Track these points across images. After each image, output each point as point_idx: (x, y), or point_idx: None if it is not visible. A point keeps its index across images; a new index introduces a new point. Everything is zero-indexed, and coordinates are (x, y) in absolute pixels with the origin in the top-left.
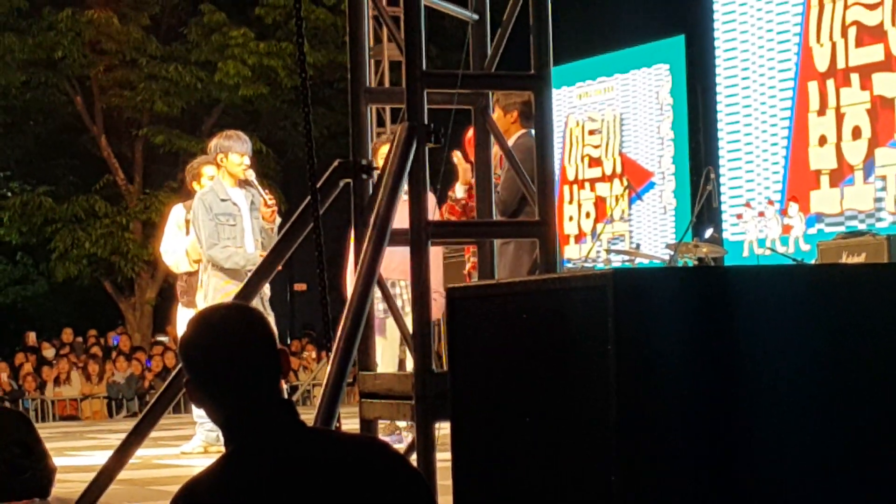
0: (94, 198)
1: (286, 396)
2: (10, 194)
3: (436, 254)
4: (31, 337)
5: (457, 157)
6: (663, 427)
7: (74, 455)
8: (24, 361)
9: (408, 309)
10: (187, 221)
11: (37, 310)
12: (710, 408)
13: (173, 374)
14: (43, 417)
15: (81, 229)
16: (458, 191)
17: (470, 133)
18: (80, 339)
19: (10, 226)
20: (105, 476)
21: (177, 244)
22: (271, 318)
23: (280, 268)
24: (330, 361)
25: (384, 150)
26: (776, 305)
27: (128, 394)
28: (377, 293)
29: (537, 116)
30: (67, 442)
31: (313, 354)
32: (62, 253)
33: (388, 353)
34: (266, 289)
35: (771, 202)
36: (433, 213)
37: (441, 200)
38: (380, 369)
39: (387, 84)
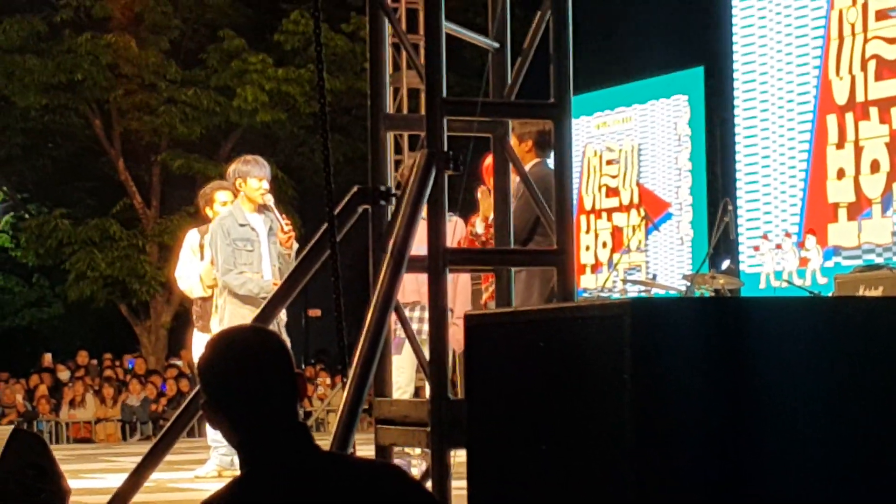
0: (109, 221)
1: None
2: (27, 216)
3: (464, 282)
4: (47, 358)
5: (482, 192)
6: (679, 457)
7: (88, 477)
8: (38, 383)
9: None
10: (201, 246)
11: (52, 332)
12: (725, 439)
13: (189, 398)
14: (57, 439)
15: (97, 251)
16: (478, 226)
17: (488, 161)
18: (94, 361)
19: (27, 248)
20: (119, 499)
21: (191, 269)
22: (288, 344)
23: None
24: (346, 387)
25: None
26: (793, 337)
27: (142, 417)
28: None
29: (557, 145)
30: (81, 464)
31: (327, 381)
32: (78, 275)
33: (407, 373)
34: (283, 314)
35: (788, 234)
36: (459, 234)
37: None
38: (397, 388)
39: (405, 111)
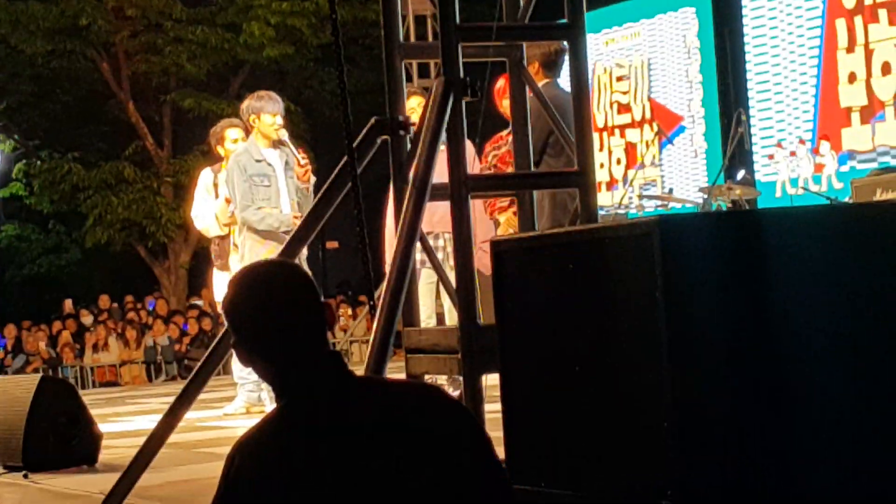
0: (123, 164)
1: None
2: (39, 163)
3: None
4: (68, 304)
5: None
6: (713, 370)
7: (117, 421)
8: (61, 329)
9: (451, 262)
10: (216, 185)
11: (71, 278)
12: (752, 347)
13: (218, 337)
14: (83, 384)
15: (113, 195)
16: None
17: (499, 83)
18: (115, 305)
19: (41, 194)
20: (155, 440)
21: (206, 208)
22: None
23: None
24: (375, 319)
25: (411, 102)
26: (813, 245)
27: (166, 357)
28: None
29: (573, 66)
30: (109, 408)
31: (349, 312)
32: (95, 220)
33: (427, 304)
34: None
35: (802, 141)
36: (472, 163)
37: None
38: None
39: (412, 39)
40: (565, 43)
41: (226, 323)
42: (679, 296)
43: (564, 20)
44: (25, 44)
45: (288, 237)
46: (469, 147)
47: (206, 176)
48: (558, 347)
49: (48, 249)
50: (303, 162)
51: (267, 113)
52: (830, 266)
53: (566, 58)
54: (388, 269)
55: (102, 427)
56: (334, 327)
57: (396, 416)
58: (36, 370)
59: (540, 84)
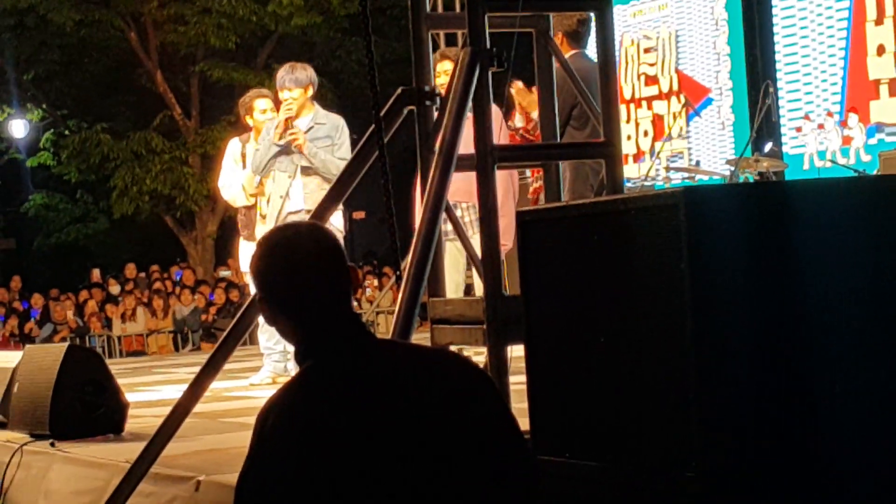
0: (151, 134)
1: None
2: (67, 133)
3: (503, 178)
4: (96, 274)
5: (515, 87)
6: (738, 342)
7: (144, 390)
8: (88, 298)
9: (470, 232)
10: (243, 155)
11: (98, 247)
12: (781, 320)
13: (245, 306)
14: (110, 353)
15: (140, 166)
16: (517, 120)
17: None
18: (142, 274)
19: (69, 164)
20: (181, 410)
21: (234, 178)
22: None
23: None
24: (401, 289)
25: (444, 65)
26: (841, 217)
27: (193, 327)
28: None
29: (600, 37)
30: (136, 377)
31: (375, 283)
32: (122, 190)
33: (453, 278)
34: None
35: (830, 114)
36: (500, 128)
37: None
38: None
39: (440, 9)
40: (590, 13)
41: (252, 282)
42: (704, 267)
43: None
44: (54, 13)
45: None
46: (496, 112)
47: (233, 146)
48: (583, 319)
49: (76, 218)
50: (293, 130)
51: (283, 88)
52: (857, 238)
53: (592, 28)
54: None
55: (129, 396)
56: (358, 291)
57: (419, 379)
58: (63, 339)
59: (568, 54)
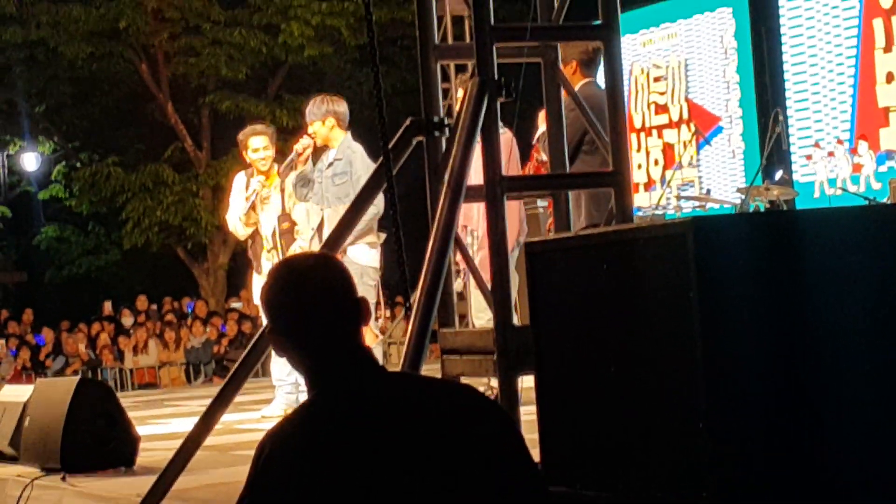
0: (162, 166)
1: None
2: (79, 165)
3: (513, 208)
4: (108, 306)
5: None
6: (747, 369)
7: (155, 423)
8: (100, 331)
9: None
10: (248, 188)
11: (110, 279)
12: (791, 349)
13: (255, 338)
14: (122, 386)
15: (151, 198)
16: (543, 154)
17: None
18: (154, 306)
19: (81, 196)
20: (191, 443)
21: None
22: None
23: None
24: (411, 319)
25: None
26: (851, 246)
27: (205, 359)
28: None
29: (608, 66)
30: (148, 410)
31: (387, 313)
32: (135, 222)
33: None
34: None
35: (840, 141)
36: (510, 152)
37: (524, 158)
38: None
39: (450, 40)
40: None
41: (262, 312)
42: (713, 296)
43: (599, 21)
44: (65, 46)
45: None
46: (508, 139)
47: (239, 179)
48: (593, 348)
49: (87, 251)
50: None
51: (308, 122)
52: (868, 266)
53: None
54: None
55: (140, 429)
56: (369, 322)
57: (428, 412)
58: (75, 372)
59: (580, 83)
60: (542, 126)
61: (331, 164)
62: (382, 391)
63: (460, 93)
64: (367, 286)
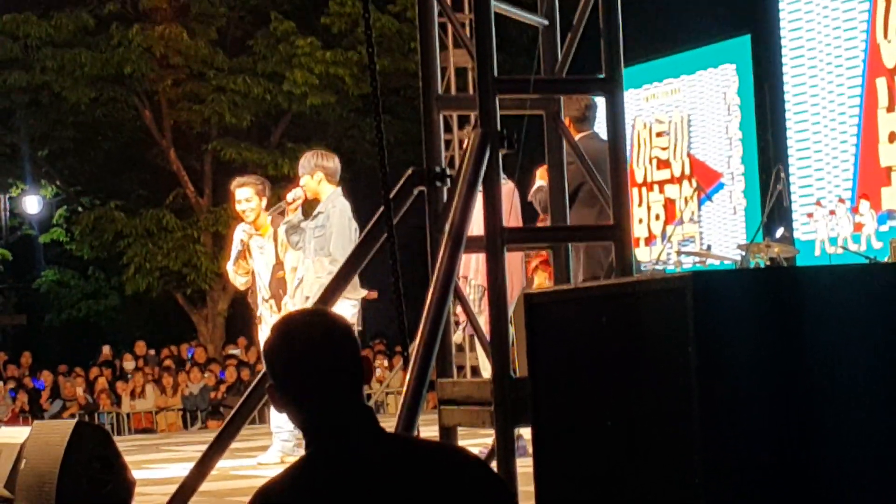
0: (164, 211)
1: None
2: (80, 209)
3: (516, 259)
4: (106, 351)
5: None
6: (745, 426)
7: (151, 468)
8: (98, 375)
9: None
10: (247, 237)
11: (109, 323)
12: (787, 408)
13: (252, 385)
14: (118, 430)
15: (153, 243)
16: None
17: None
18: (152, 351)
19: (82, 241)
20: (187, 489)
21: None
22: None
23: None
24: (409, 369)
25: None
26: (851, 304)
27: (202, 405)
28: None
29: (610, 119)
30: (144, 455)
31: (385, 363)
32: (136, 267)
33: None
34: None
35: (842, 200)
36: (511, 201)
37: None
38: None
39: (453, 90)
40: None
41: (265, 367)
42: (712, 352)
43: (602, 74)
44: (69, 90)
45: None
46: (509, 188)
47: (238, 230)
48: (591, 401)
49: (87, 295)
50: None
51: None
52: (868, 325)
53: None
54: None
55: (136, 474)
56: (371, 381)
57: (420, 476)
58: (72, 416)
59: (578, 136)
60: (538, 181)
61: (315, 217)
62: (375, 455)
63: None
64: None
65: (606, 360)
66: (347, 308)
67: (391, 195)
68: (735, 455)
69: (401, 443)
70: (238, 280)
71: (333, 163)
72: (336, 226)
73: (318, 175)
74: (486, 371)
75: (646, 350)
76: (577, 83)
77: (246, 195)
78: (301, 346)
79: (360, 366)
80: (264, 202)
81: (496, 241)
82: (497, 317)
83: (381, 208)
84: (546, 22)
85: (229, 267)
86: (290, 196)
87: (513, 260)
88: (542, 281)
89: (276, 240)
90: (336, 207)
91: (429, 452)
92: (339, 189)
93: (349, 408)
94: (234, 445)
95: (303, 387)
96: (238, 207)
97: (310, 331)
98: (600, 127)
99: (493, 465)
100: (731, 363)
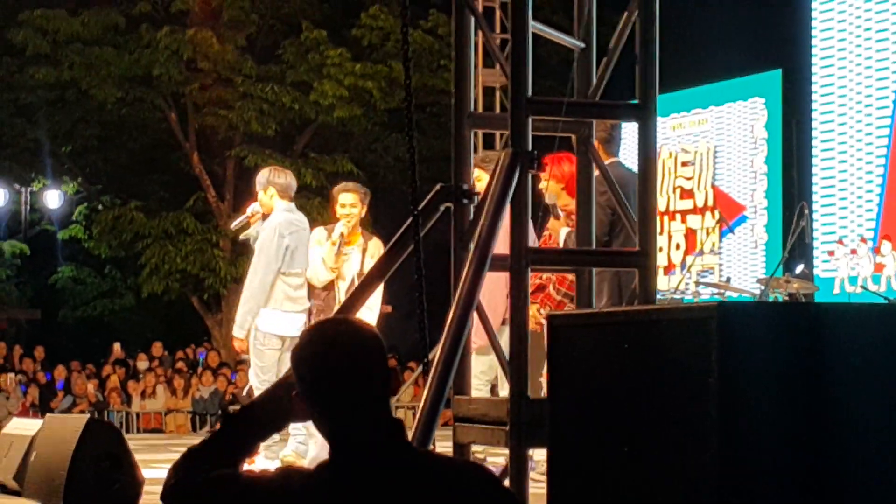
0: (184, 214)
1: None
2: (101, 208)
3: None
4: (117, 348)
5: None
6: (763, 459)
7: (160, 467)
8: (111, 373)
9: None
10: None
11: (123, 323)
12: (805, 443)
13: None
14: (128, 429)
15: (171, 245)
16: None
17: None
18: (166, 353)
19: (100, 239)
20: None
21: (314, 255)
22: None
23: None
24: (427, 385)
25: (342, 199)
26: (872, 343)
27: (211, 409)
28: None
29: (642, 146)
30: (153, 454)
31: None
32: (153, 268)
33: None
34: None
35: (864, 240)
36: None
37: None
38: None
39: (480, 109)
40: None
41: (293, 373)
42: (733, 383)
43: (635, 100)
44: (96, 89)
45: None
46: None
47: (317, 233)
48: (608, 426)
49: (102, 293)
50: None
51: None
52: (888, 366)
53: (620, 135)
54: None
55: (145, 472)
56: (397, 392)
57: (437, 492)
58: (82, 412)
59: (607, 162)
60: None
61: (259, 232)
62: (395, 468)
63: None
64: (258, 349)
65: (626, 385)
66: (271, 317)
67: (419, 209)
68: (752, 486)
69: (421, 458)
70: (321, 275)
71: (285, 178)
72: (261, 242)
73: (270, 190)
74: (505, 390)
75: (666, 378)
76: (610, 108)
77: (351, 200)
78: (331, 356)
79: (388, 377)
80: (364, 211)
81: (521, 262)
82: (517, 336)
83: (409, 221)
84: (582, 45)
85: (325, 255)
86: (249, 210)
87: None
88: (534, 311)
89: (364, 253)
90: (270, 223)
91: (448, 469)
92: (290, 204)
93: (377, 420)
94: None
95: (331, 397)
96: (341, 211)
97: (340, 340)
98: (630, 152)
99: (506, 482)
100: (751, 395)
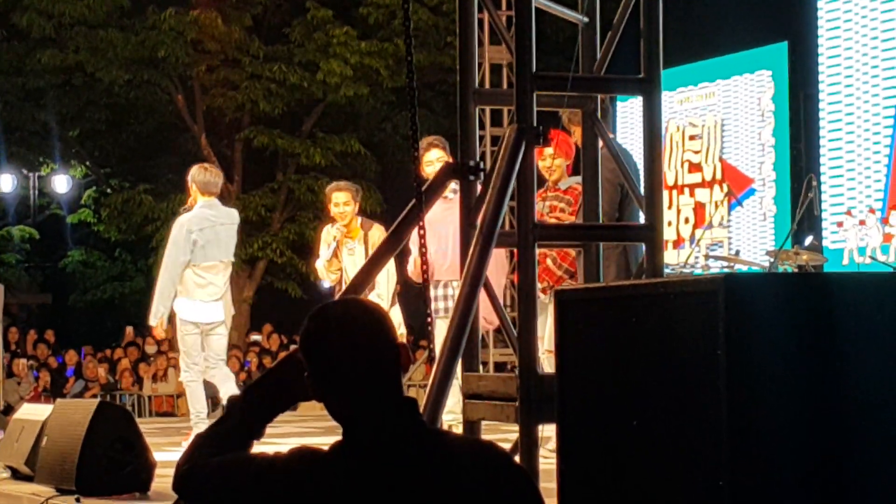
0: None
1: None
2: (109, 191)
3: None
4: (130, 332)
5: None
6: (772, 430)
7: (172, 450)
8: (122, 357)
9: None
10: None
11: (133, 305)
12: (815, 412)
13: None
14: (139, 413)
15: None
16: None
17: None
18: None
19: (109, 222)
20: None
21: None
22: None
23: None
24: (436, 363)
25: (428, 156)
26: (880, 313)
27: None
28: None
29: (647, 120)
30: (164, 437)
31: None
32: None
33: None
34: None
35: (872, 210)
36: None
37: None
38: None
39: (487, 86)
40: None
41: (301, 356)
42: (741, 354)
43: (640, 75)
44: (103, 71)
45: None
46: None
47: (330, 231)
48: (617, 400)
49: (113, 276)
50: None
51: None
52: (892, 333)
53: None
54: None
55: (157, 455)
56: (407, 370)
57: (449, 471)
58: (94, 396)
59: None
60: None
61: None
62: (406, 448)
63: (432, 153)
64: (180, 336)
65: (635, 359)
66: (186, 305)
67: (424, 187)
68: (762, 457)
69: (433, 436)
70: (330, 277)
71: (204, 175)
72: (171, 236)
73: (193, 187)
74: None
75: (675, 351)
76: (615, 82)
77: (344, 199)
78: (340, 336)
79: (399, 356)
80: (357, 207)
81: (528, 237)
82: (524, 312)
83: (413, 201)
84: (586, 19)
85: (319, 265)
86: (189, 204)
87: (497, 257)
88: None
89: (366, 243)
90: (181, 219)
91: (461, 447)
92: (210, 200)
93: (388, 400)
94: None
95: (341, 378)
96: (335, 210)
97: (349, 320)
98: (636, 128)
99: (517, 458)
100: (760, 366)
